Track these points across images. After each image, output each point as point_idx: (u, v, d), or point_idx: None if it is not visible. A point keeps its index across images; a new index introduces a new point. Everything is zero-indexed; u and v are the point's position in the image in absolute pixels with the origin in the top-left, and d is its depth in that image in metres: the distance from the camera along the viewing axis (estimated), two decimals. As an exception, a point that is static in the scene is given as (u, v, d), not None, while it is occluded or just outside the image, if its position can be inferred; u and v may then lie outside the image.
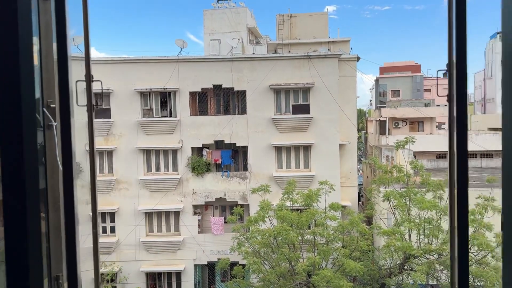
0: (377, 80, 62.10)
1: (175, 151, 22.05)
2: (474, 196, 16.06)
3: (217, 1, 37.85)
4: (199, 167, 21.63)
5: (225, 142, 21.96)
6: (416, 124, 40.96)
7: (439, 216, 15.05)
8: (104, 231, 22.23)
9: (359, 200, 26.07)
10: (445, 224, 15.18)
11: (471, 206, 15.24)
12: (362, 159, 40.32)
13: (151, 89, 21.56)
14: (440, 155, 40.22)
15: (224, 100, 22.85)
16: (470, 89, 74.00)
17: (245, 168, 22.54)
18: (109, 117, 21.77)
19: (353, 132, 22.48)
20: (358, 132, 35.05)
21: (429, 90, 63.20)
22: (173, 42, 23.54)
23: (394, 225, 15.69)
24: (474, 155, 38.95)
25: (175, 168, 22.13)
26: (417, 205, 14.99)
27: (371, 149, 40.09)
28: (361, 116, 59.00)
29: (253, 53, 29.99)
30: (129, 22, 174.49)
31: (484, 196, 15.51)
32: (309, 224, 14.76)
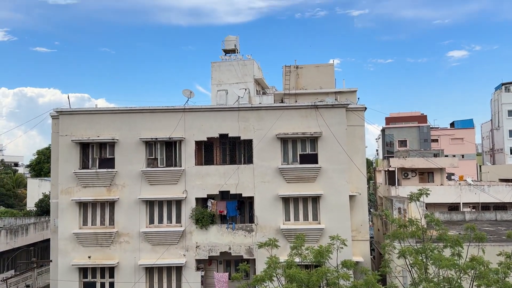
0: (383, 130, 62.02)
1: (179, 202, 21.34)
2: (494, 252, 15.07)
3: (225, 54, 38.71)
4: (203, 219, 20.82)
5: (231, 192, 21.28)
6: (426, 174, 40.13)
7: (459, 275, 13.98)
8: (102, 287, 21.09)
9: (370, 253, 24.82)
10: (465, 284, 14.09)
11: (493, 264, 14.21)
12: (371, 210, 39.20)
13: (156, 138, 21.26)
14: (452, 207, 39.00)
15: (230, 149, 22.46)
16: (477, 140, 73.62)
17: (251, 220, 21.68)
18: (113, 167, 21.33)
19: (363, 183, 21.75)
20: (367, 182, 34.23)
21: (436, 140, 62.86)
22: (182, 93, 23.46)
23: (410, 284, 14.59)
24: (487, 207, 37.75)
25: (178, 220, 21.32)
26: (435, 262, 13.98)
27: (380, 200, 39.04)
28: (368, 166, 58.25)
29: (260, 103, 30.02)
30: (141, 75, 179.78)
31: (506, 253, 14.49)
32: (320, 284, 13.75)
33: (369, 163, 62.46)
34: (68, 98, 23.51)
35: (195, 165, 21.40)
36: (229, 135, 21.52)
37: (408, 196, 16.77)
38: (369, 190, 42.70)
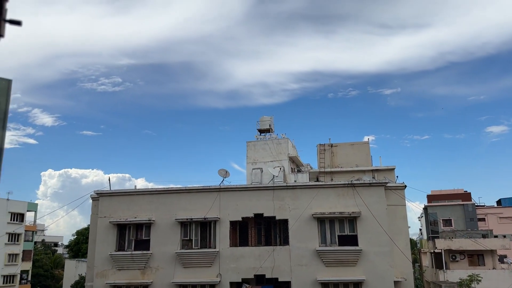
0: (425, 208, 59.33)
1: (212, 287, 20.51)
2: None
3: (260, 134, 39.56)
4: (238, 305, 19.78)
5: (266, 276, 20.33)
6: (476, 257, 37.20)
7: None
8: None
9: None
10: None
11: None
12: (419, 297, 36.17)
13: (192, 218, 21.15)
14: (509, 294, 35.42)
15: (266, 229, 21.89)
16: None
17: (288, 307, 20.36)
18: (148, 249, 21.14)
19: (408, 267, 20.30)
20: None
21: (483, 219, 59.21)
22: (218, 173, 23.74)
23: None
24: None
25: (212, 307, 20.35)
26: None
27: (428, 285, 36.09)
28: (412, 246, 55.04)
29: (295, 181, 29.74)
30: (179, 154, 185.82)
31: None
32: None
33: (413, 244, 59.05)
34: (109, 180, 24.29)
35: (230, 246, 20.87)
36: (264, 215, 21.12)
37: (458, 282, 15.45)
38: (415, 274, 39.91)
